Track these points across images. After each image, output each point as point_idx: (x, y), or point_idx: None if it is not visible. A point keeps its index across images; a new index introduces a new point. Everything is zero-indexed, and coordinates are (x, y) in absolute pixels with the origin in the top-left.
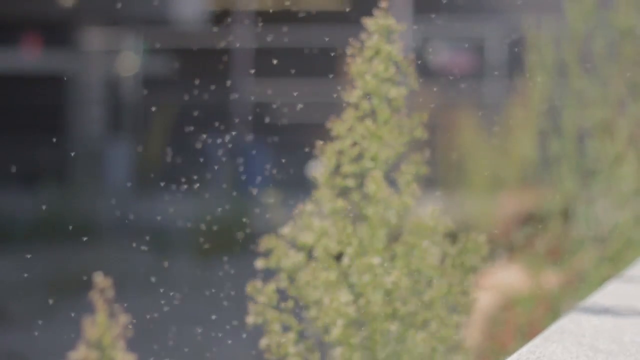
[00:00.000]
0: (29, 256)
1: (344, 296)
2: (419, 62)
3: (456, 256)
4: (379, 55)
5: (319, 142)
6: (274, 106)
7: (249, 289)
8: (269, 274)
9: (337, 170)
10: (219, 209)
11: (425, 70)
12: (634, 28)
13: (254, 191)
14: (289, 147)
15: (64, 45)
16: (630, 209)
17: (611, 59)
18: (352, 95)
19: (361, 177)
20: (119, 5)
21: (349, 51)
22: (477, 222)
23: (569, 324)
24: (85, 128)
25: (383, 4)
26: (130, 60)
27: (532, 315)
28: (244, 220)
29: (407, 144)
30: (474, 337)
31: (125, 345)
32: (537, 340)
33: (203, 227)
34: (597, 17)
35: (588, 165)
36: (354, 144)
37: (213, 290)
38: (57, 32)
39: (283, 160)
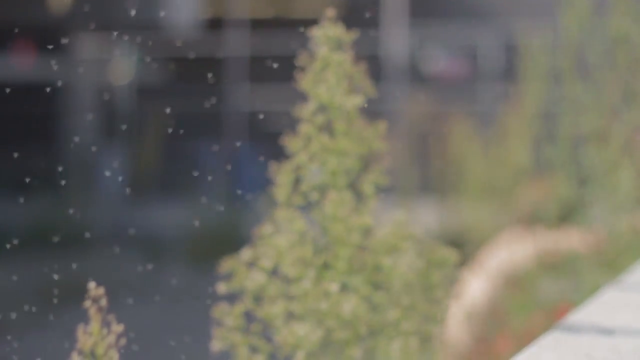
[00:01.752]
0: (21, 265)
1: (301, 328)
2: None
3: (423, 271)
4: (329, 66)
5: (274, 163)
6: (268, 113)
7: (215, 312)
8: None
9: (296, 187)
10: (213, 217)
11: (419, 77)
12: (628, 35)
13: (248, 198)
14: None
15: (57, 53)
16: (626, 215)
17: (606, 66)
18: (306, 109)
19: (324, 191)
20: (112, 13)
21: (298, 63)
22: (471, 228)
23: (564, 332)
24: (78, 136)
25: (329, 13)
26: (123, 68)
27: (526, 323)
28: (238, 227)
29: (366, 155)
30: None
31: (119, 354)
32: (532, 348)
33: (196, 234)
34: (592, 24)
35: (583, 172)
36: (312, 158)
37: (206, 299)
38: (50, 40)
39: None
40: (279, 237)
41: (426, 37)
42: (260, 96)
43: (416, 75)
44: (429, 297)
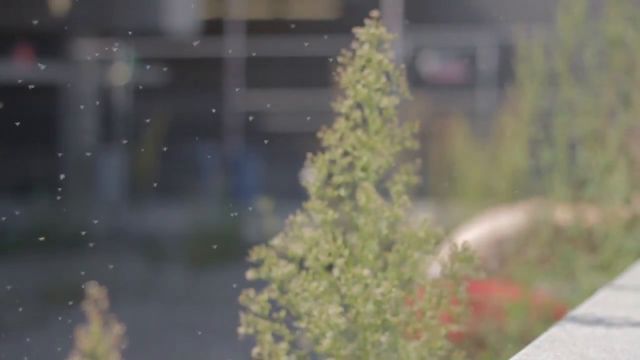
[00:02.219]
0: (21, 266)
1: (333, 308)
2: (411, 71)
3: (448, 266)
4: (369, 64)
5: (310, 153)
6: (266, 115)
7: (241, 298)
8: (262, 284)
9: (328, 180)
10: (211, 218)
11: (417, 80)
12: (624, 37)
13: (247, 200)
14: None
15: (57, 55)
16: (621, 217)
17: (601, 68)
18: (344, 105)
19: (353, 187)
20: (111, 16)
21: (340, 61)
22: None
23: (560, 332)
24: (77, 138)
25: (374, 14)
26: (122, 71)
27: (524, 324)
28: (237, 229)
29: (398, 153)
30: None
31: (119, 355)
32: (528, 349)
33: (195, 236)
34: (587, 27)
35: (579, 174)
36: (345, 153)
37: (206, 299)
38: (50, 43)
39: (276, 170)
40: (310, 228)
41: (424, 40)
42: (258, 98)
43: (413, 78)
44: (454, 295)
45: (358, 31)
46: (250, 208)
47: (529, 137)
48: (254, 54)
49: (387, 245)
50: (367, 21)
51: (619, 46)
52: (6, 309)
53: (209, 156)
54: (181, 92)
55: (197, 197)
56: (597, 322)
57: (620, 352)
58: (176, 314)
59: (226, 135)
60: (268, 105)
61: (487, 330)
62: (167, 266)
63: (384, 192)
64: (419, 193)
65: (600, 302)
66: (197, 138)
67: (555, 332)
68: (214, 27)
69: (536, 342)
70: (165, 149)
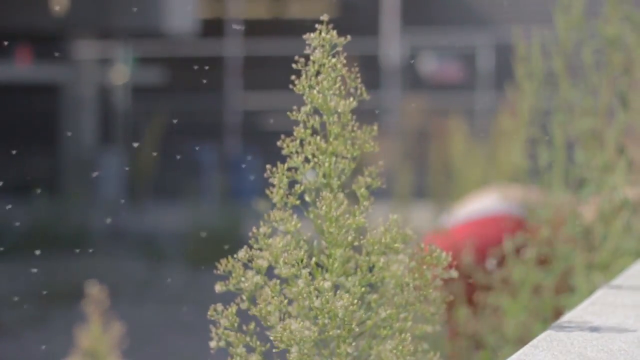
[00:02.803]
0: (20, 265)
1: (296, 323)
2: (410, 71)
3: (416, 270)
4: (323, 69)
5: (269, 165)
6: (265, 115)
7: (209, 313)
8: (235, 295)
9: (291, 188)
10: (210, 218)
11: (415, 80)
12: (622, 37)
13: (246, 200)
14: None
15: (56, 56)
16: (620, 218)
17: (600, 68)
18: (300, 112)
19: (317, 193)
20: (110, 16)
21: (294, 67)
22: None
23: (558, 332)
24: (77, 138)
25: (324, 17)
26: (121, 71)
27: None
28: (236, 229)
29: (358, 157)
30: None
31: (119, 354)
32: (525, 349)
33: (194, 235)
34: (586, 27)
35: (577, 174)
36: (306, 160)
37: (205, 299)
38: (49, 44)
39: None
40: (274, 238)
41: (422, 40)
42: (256, 98)
43: (412, 79)
44: (423, 297)
45: (309, 37)
46: (250, 207)
47: (528, 137)
48: (252, 54)
49: (358, 248)
50: (318, 26)
51: (617, 46)
52: (6, 308)
53: (208, 155)
54: (180, 92)
55: (196, 196)
56: (595, 322)
57: (618, 351)
58: (175, 314)
59: (225, 135)
60: (266, 105)
61: (485, 330)
62: (166, 265)
63: (351, 195)
64: (418, 193)
65: (599, 302)
66: (196, 138)
67: (553, 331)
68: (212, 28)
69: (534, 341)
70: (164, 149)
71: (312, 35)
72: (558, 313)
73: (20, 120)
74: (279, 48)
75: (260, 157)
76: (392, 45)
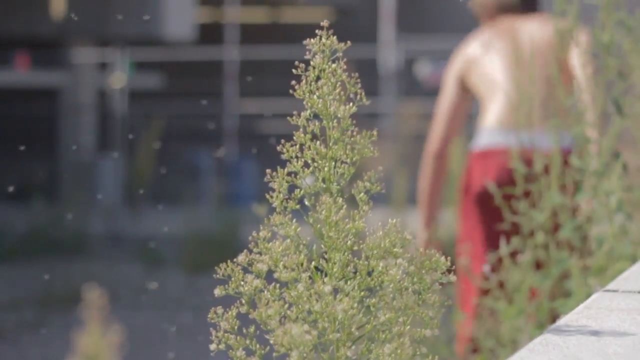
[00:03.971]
0: (19, 270)
1: (296, 327)
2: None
3: (414, 273)
4: (323, 75)
5: (268, 169)
6: (263, 120)
7: (210, 315)
8: (233, 299)
9: (291, 193)
10: (208, 223)
11: (411, 85)
12: (617, 43)
13: (243, 205)
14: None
15: (55, 62)
16: (615, 222)
17: (595, 73)
18: (300, 117)
19: (316, 198)
20: (108, 22)
21: (294, 72)
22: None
23: (554, 336)
24: (75, 143)
25: (324, 23)
26: (119, 76)
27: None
28: (233, 234)
29: (357, 162)
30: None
31: (118, 358)
32: (521, 352)
33: (192, 240)
34: (581, 32)
35: (573, 178)
36: (305, 165)
37: (203, 304)
38: (48, 50)
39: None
40: (274, 242)
41: (417, 46)
42: (254, 103)
43: (408, 84)
44: (422, 301)
45: (309, 42)
46: (247, 212)
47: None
48: (250, 59)
49: (355, 254)
50: (318, 31)
51: (612, 51)
52: (4, 313)
53: (205, 160)
54: (178, 97)
55: (194, 202)
56: (591, 326)
57: (613, 355)
58: (173, 319)
59: (223, 140)
60: (264, 110)
61: (481, 334)
62: (164, 271)
63: (351, 200)
64: (414, 198)
65: (594, 306)
66: (193, 142)
67: (549, 335)
68: (210, 33)
69: (530, 345)
70: (162, 154)
71: (312, 40)
72: (554, 317)
73: (19, 126)
74: (276, 53)
75: (257, 163)
76: (388, 51)
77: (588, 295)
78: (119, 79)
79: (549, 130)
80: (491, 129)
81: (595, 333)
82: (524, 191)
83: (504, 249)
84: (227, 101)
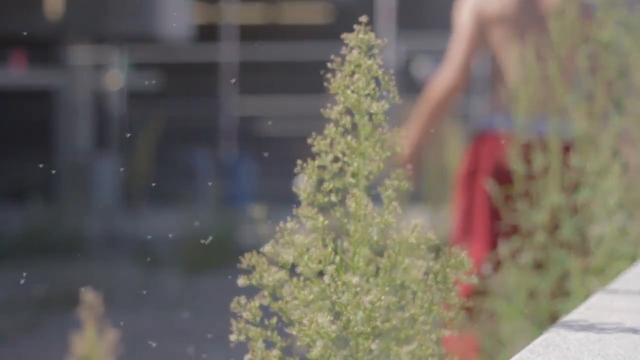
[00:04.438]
0: (16, 271)
1: (322, 317)
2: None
3: (439, 271)
4: (359, 70)
5: (301, 159)
6: (261, 120)
7: (233, 305)
8: (254, 290)
9: (319, 186)
10: (206, 224)
11: (410, 84)
12: (617, 41)
13: (241, 206)
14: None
15: (51, 61)
16: (615, 222)
17: (594, 73)
18: (333, 111)
19: (344, 193)
20: (105, 22)
21: (330, 66)
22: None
23: (554, 337)
24: (72, 144)
25: (363, 19)
26: (116, 76)
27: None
28: (231, 234)
29: (388, 159)
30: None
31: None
32: (522, 354)
33: (189, 241)
34: (580, 31)
35: (573, 178)
36: (336, 159)
37: (200, 305)
38: (44, 49)
39: (270, 175)
40: (300, 235)
41: (416, 44)
42: (252, 103)
43: (407, 83)
44: (445, 300)
45: (347, 37)
46: (246, 213)
47: (522, 141)
48: (248, 59)
49: (378, 251)
50: (356, 26)
51: (612, 50)
52: (1, 314)
53: (203, 161)
54: (175, 97)
55: (192, 202)
56: (591, 326)
57: (614, 356)
58: (170, 319)
59: (220, 141)
60: (262, 110)
61: (481, 335)
62: (162, 271)
63: (375, 198)
64: (413, 198)
65: (594, 306)
66: (191, 143)
67: (549, 336)
68: (208, 33)
69: (530, 346)
70: (159, 154)
71: (349, 35)
72: (554, 317)
73: (15, 126)
74: (275, 53)
75: (255, 163)
76: (387, 50)
77: (588, 295)
78: (116, 79)
79: (560, 117)
80: (502, 112)
81: (595, 333)
82: (535, 174)
83: (505, 247)
84: (225, 101)
